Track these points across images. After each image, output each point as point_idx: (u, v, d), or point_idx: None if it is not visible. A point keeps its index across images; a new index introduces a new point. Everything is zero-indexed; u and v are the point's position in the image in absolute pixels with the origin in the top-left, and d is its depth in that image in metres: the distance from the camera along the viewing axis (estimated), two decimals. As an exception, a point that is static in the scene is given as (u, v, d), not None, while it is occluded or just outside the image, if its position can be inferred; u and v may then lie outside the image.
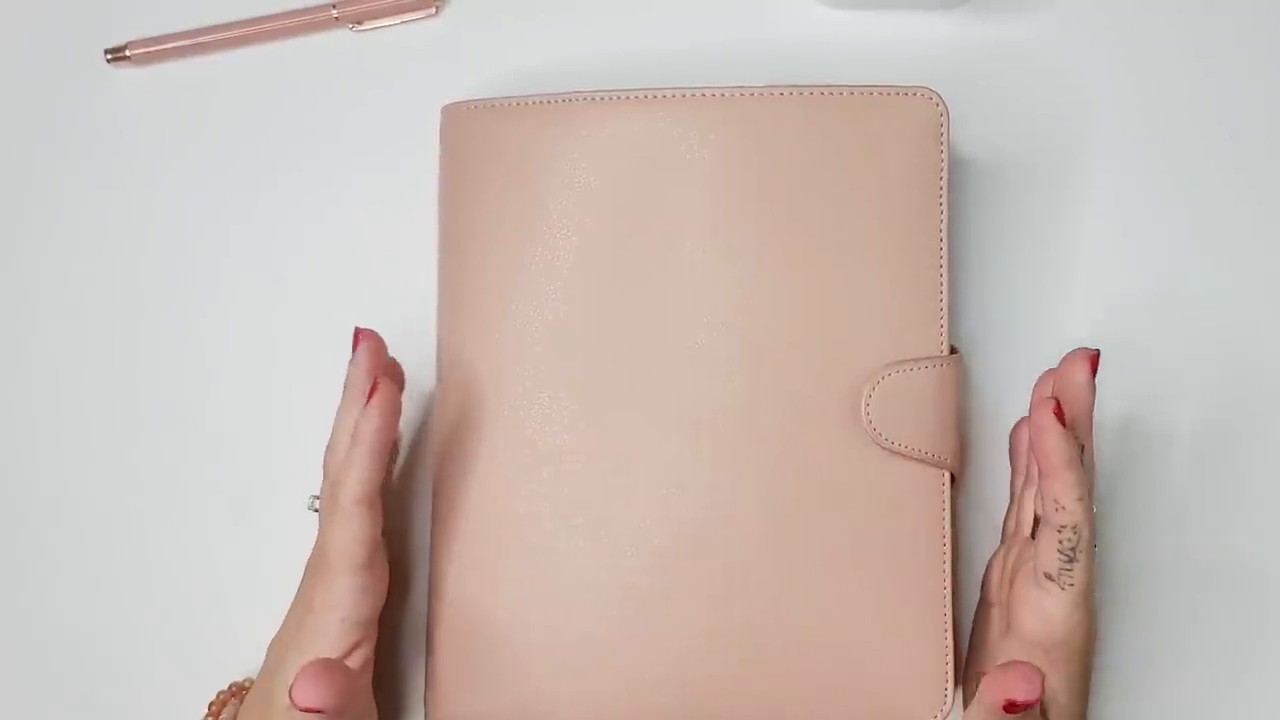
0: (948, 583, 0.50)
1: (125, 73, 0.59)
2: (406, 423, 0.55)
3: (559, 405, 0.50)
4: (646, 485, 0.50)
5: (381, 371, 0.49)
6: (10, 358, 0.58)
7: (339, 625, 0.47)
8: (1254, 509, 0.54)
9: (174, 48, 0.58)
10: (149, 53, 0.58)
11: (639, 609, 0.50)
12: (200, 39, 0.58)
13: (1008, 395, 0.54)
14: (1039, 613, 0.46)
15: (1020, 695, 0.42)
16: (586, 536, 0.50)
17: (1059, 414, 0.45)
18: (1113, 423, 0.54)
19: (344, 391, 0.50)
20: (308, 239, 0.58)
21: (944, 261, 0.50)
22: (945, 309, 0.50)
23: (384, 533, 0.49)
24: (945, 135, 0.50)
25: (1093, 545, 0.46)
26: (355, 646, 0.48)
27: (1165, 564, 0.54)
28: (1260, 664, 0.53)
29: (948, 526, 0.50)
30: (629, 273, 0.50)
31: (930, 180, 0.50)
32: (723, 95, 0.50)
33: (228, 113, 0.59)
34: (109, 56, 0.58)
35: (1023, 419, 0.50)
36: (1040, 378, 0.49)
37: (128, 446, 0.57)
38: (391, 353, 0.56)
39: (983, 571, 0.51)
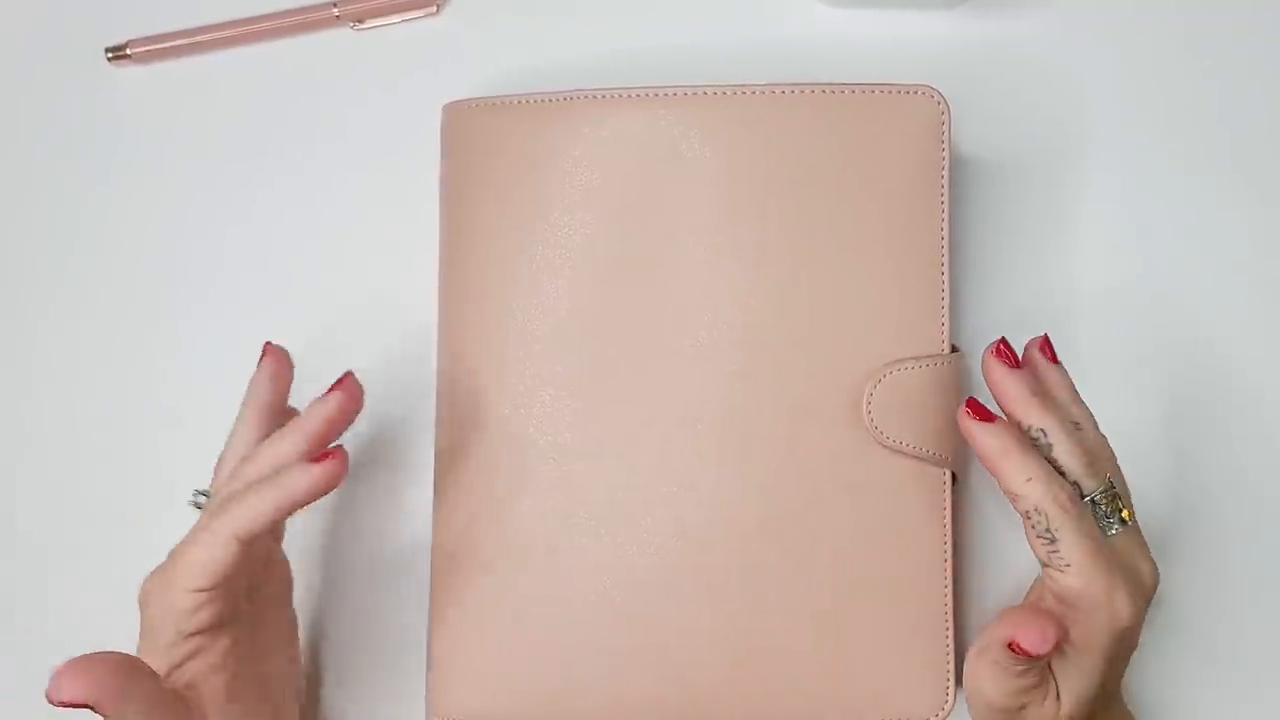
0: (948, 582, 0.50)
1: (126, 71, 0.59)
2: (406, 421, 0.55)
3: (561, 404, 0.50)
4: (648, 484, 0.50)
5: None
6: (10, 356, 0.58)
7: (173, 636, 0.45)
8: (1254, 507, 0.54)
9: (175, 46, 0.58)
10: (150, 51, 0.58)
11: (640, 607, 0.50)
12: (201, 37, 0.58)
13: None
14: (1055, 599, 0.45)
15: (1025, 643, 0.42)
16: (588, 534, 0.50)
17: (977, 412, 0.45)
18: (1113, 422, 0.54)
19: (270, 409, 0.50)
20: (308, 237, 0.58)
21: (945, 260, 0.50)
22: (946, 307, 0.50)
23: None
24: (946, 133, 0.50)
25: (1081, 519, 0.44)
26: (188, 658, 0.46)
27: (1166, 565, 0.54)
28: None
29: (948, 525, 0.50)
30: (631, 271, 0.50)
31: (931, 178, 0.50)
32: (724, 94, 0.50)
33: (229, 111, 0.59)
34: (110, 55, 0.58)
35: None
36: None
37: (127, 446, 0.57)
38: (393, 351, 0.56)
39: (990, 572, 0.51)
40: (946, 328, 0.50)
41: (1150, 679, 0.53)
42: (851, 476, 0.49)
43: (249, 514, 0.45)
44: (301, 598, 0.56)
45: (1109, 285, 0.55)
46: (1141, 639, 0.53)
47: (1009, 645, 0.43)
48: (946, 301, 0.50)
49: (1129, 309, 0.55)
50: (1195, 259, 0.55)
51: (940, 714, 0.49)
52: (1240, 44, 0.56)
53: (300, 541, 0.56)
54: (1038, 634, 0.42)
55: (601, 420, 0.50)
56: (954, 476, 0.50)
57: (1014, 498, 0.45)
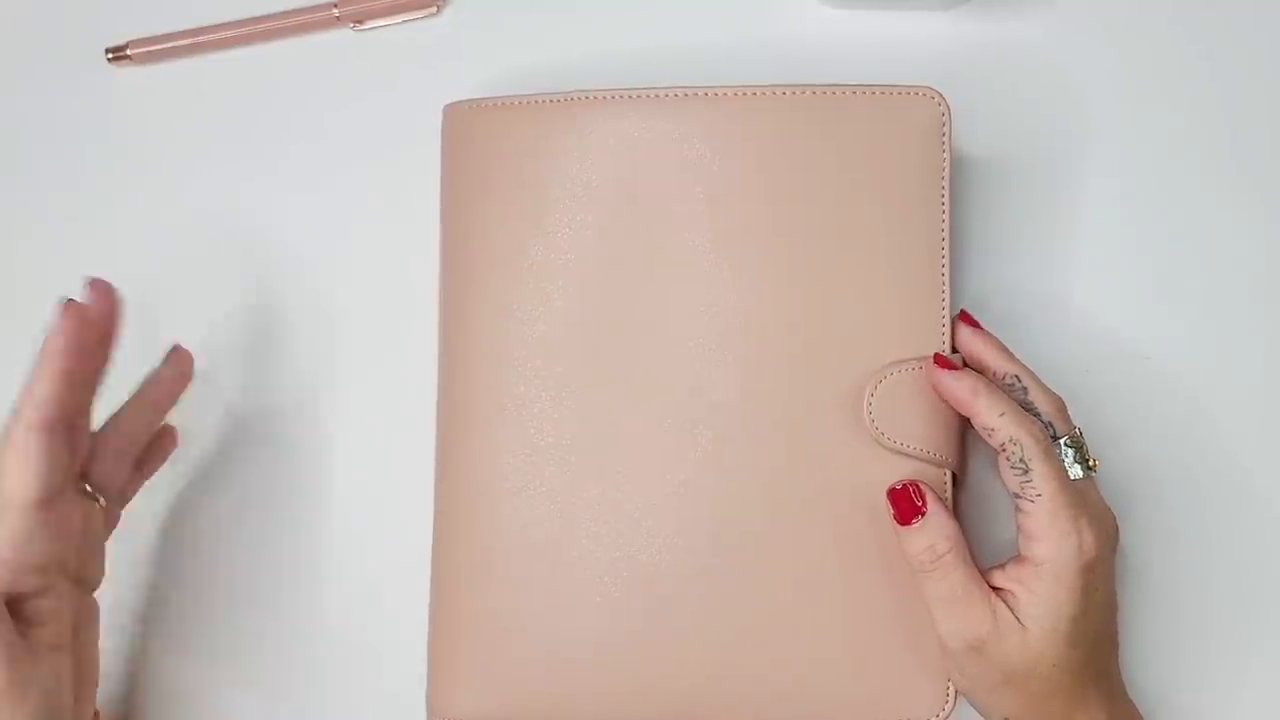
0: (949, 582, 0.50)
1: (126, 72, 0.59)
2: (407, 421, 0.55)
3: (561, 405, 0.50)
4: (649, 484, 0.50)
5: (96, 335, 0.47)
6: (10, 357, 0.58)
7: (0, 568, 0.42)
8: (1255, 506, 0.54)
9: (175, 47, 0.58)
10: (150, 52, 0.58)
11: (640, 608, 0.50)
12: (201, 38, 0.58)
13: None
14: (1024, 534, 0.47)
15: (890, 492, 0.48)
16: (589, 535, 0.50)
17: (944, 363, 0.48)
18: (1112, 422, 0.54)
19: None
20: (309, 238, 0.58)
21: (945, 260, 0.50)
22: (947, 308, 0.50)
23: (86, 474, 0.47)
24: (947, 134, 0.50)
25: (1049, 452, 0.46)
26: (19, 596, 0.43)
27: (1164, 566, 0.54)
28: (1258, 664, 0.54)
29: (949, 526, 0.50)
30: (630, 272, 0.50)
31: (932, 179, 0.50)
32: (725, 94, 0.50)
33: (229, 112, 0.59)
34: (110, 55, 0.58)
35: None
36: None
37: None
38: (393, 351, 0.56)
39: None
40: (947, 328, 0.50)
41: (1153, 678, 0.53)
42: (852, 477, 0.49)
43: (34, 398, 0.44)
44: (302, 599, 0.56)
45: (1109, 285, 0.55)
46: (1144, 638, 0.53)
47: (894, 518, 0.48)
48: (947, 302, 0.50)
49: (1129, 308, 0.55)
50: (1195, 259, 0.55)
51: (940, 715, 0.49)
52: (1240, 44, 0.56)
53: (300, 543, 0.56)
54: (895, 484, 0.48)
55: (602, 421, 0.50)
56: (955, 477, 0.50)
57: (989, 432, 0.47)
